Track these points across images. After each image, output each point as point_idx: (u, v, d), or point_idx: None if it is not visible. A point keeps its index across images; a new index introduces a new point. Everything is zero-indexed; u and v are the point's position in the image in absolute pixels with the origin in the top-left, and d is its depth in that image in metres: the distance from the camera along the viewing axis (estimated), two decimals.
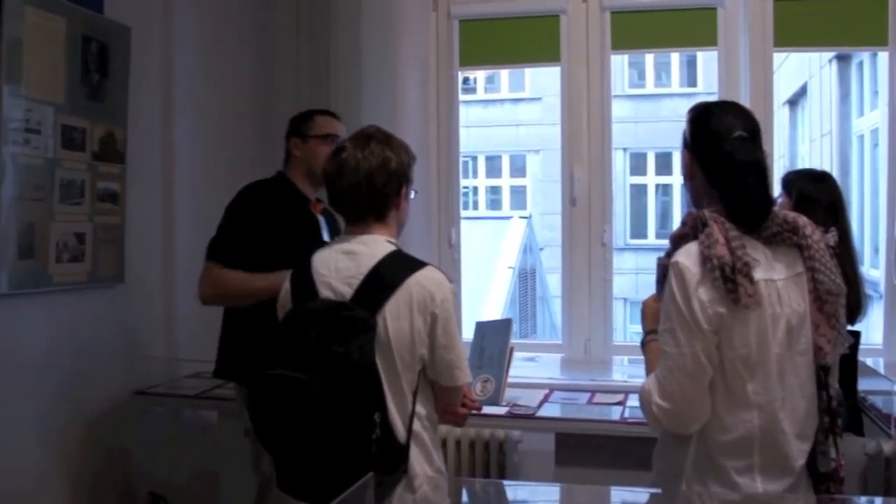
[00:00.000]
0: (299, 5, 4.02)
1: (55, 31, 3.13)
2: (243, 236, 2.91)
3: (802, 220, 2.02)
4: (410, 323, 2.10)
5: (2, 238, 2.93)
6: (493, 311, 11.02)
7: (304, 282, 2.20)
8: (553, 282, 13.39)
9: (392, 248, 2.20)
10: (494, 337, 2.60)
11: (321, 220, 3.08)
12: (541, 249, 14.30)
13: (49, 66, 3.11)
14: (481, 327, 2.69)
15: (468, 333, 2.71)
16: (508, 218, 14.26)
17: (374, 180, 2.18)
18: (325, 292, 2.16)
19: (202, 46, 3.96)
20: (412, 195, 2.33)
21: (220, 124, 4.04)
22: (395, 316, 2.10)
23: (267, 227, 2.90)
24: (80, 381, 3.31)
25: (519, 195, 15.86)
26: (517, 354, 2.85)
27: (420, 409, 2.16)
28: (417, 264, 2.17)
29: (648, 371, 2.09)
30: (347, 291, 2.13)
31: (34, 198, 3.06)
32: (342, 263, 2.17)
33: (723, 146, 2.01)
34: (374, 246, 2.18)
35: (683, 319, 1.93)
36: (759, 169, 1.99)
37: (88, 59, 3.29)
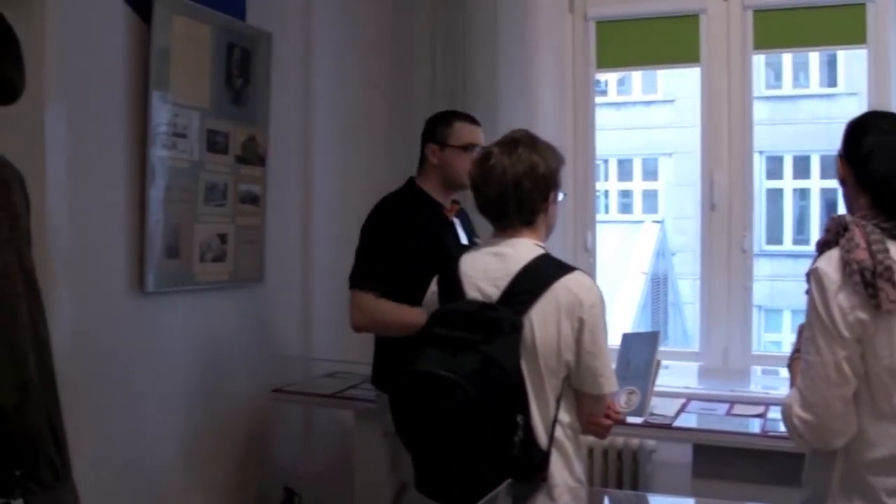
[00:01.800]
0: (435, 9, 4.04)
1: (201, 39, 3.24)
2: (385, 259, 2.89)
3: None
4: (557, 328, 2.07)
5: (149, 239, 3.04)
6: (626, 317, 10.87)
7: (452, 282, 2.20)
8: (685, 288, 13.10)
9: (540, 251, 2.17)
10: (641, 348, 2.54)
11: (456, 222, 3.06)
12: (673, 255, 14.01)
13: (195, 72, 3.22)
14: (628, 339, 2.63)
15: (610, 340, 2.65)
16: (640, 222, 14.03)
17: (522, 187, 2.15)
18: (472, 293, 2.15)
19: (340, 50, 4.02)
20: (560, 198, 2.29)
21: (358, 127, 4.10)
22: (542, 320, 2.07)
23: (406, 245, 2.87)
24: (220, 377, 3.41)
25: (650, 199, 15.58)
26: None
27: (563, 416, 2.12)
28: (566, 268, 2.14)
29: (792, 387, 2.01)
30: (494, 293, 2.12)
31: (180, 200, 3.17)
32: (490, 265, 2.16)
33: (869, 146, 1.95)
34: (522, 248, 2.16)
35: (824, 327, 1.86)
36: None
37: (232, 65, 3.39)
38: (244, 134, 3.47)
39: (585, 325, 2.08)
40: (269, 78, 3.58)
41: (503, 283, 2.11)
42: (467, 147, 2.95)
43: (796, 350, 2.08)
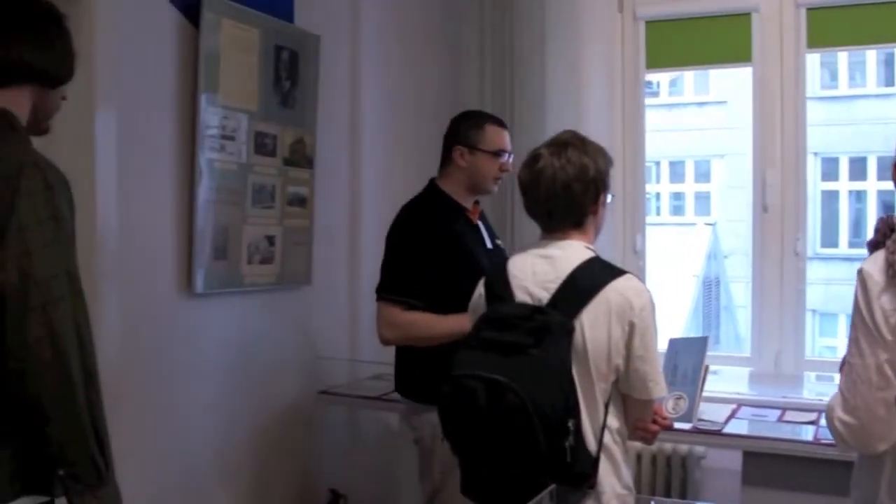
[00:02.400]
0: (483, 9, 4.03)
1: (249, 42, 3.25)
2: (413, 268, 2.84)
3: None
4: (608, 331, 2.05)
5: (198, 240, 3.06)
6: (677, 320, 10.75)
7: (500, 285, 2.18)
8: (738, 291, 12.92)
9: (590, 254, 2.15)
10: (689, 354, 2.51)
11: (480, 225, 3.01)
12: (725, 257, 13.84)
13: (243, 75, 3.23)
14: (675, 344, 2.60)
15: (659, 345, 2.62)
16: (692, 224, 13.88)
17: (572, 189, 2.13)
18: (521, 296, 2.13)
19: (388, 52, 4.03)
20: (609, 199, 2.27)
21: (406, 129, 4.10)
22: (592, 323, 2.05)
23: (433, 252, 2.82)
24: (267, 378, 3.42)
25: (703, 201, 15.41)
26: None
27: (612, 421, 2.09)
28: (616, 272, 2.12)
29: None
30: (544, 296, 2.10)
31: (228, 202, 3.19)
32: (539, 267, 2.14)
33: None
34: (571, 251, 2.14)
35: (867, 328, 1.83)
36: None
37: (280, 68, 3.41)
38: (292, 136, 3.49)
39: (636, 328, 2.05)
40: (317, 80, 3.59)
41: (553, 286, 2.09)
42: (498, 153, 2.92)
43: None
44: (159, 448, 2.95)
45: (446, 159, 2.99)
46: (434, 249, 2.82)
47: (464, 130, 2.95)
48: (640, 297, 2.08)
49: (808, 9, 3.68)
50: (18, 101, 1.74)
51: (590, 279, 2.08)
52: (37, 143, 2.46)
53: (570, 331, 2.02)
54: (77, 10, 2.55)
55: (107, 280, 2.73)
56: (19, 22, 1.73)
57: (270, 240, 3.40)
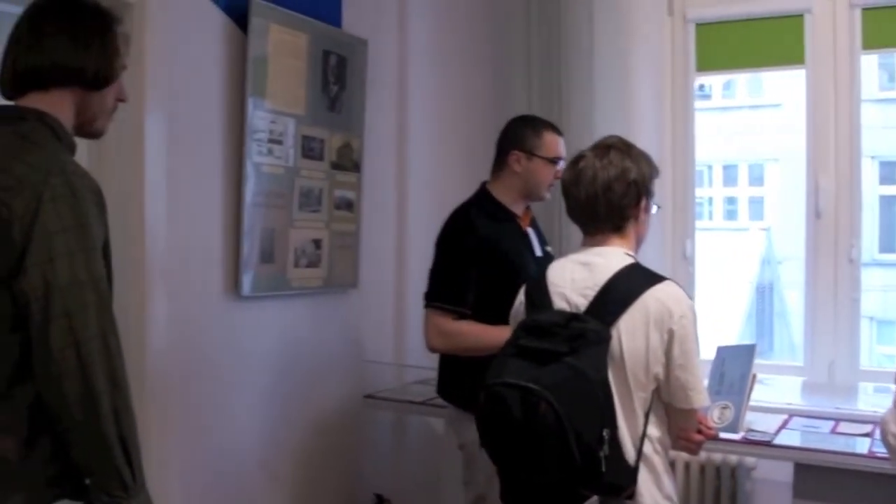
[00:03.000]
0: (530, 12, 4.01)
1: (297, 47, 3.27)
2: (463, 276, 2.82)
3: None
4: (646, 339, 2.02)
5: (245, 243, 3.08)
6: (730, 327, 10.59)
7: (539, 293, 2.17)
8: (793, 298, 12.70)
9: (630, 260, 2.12)
10: (736, 362, 2.45)
11: (531, 232, 2.98)
12: (779, 263, 13.61)
13: (291, 79, 3.25)
14: (722, 352, 2.55)
15: (707, 352, 2.57)
16: (746, 230, 13.68)
17: (613, 190, 2.11)
18: (559, 303, 2.11)
19: (435, 57, 4.03)
20: (654, 210, 2.24)
21: (453, 133, 4.09)
22: (631, 331, 2.02)
23: (484, 259, 2.80)
24: (313, 382, 3.44)
25: (757, 206, 15.18)
26: None
27: (652, 430, 2.06)
28: (656, 278, 2.08)
29: None
30: (582, 303, 2.08)
31: (276, 205, 3.21)
32: (578, 274, 2.12)
33: None
34: (610, 258, 2.11)
35: None
36: None
37: (328, 72, 3.42)
38: (339, 140, 3.50)
39: (675, 336, 2.01)
40: (364, 84, 3.60)
41: (591, 293, 2.07)
42: (554, 160, 2.89)
43: None
44: (205, 450, 2.98)
45: (500, 164, 2.95)
46: (482, 258, 2.80)
47: (521, 135, 2.91)
48: (680, 304, 2.05)
49: (863, 9, 3.59)
50: (60, 104, 1.73)
51: (628, 286, 2.05)
52: (89, 146, 2.51)
53: (605, 338, 1.99)
54: (127, 18, 2.59)
55: (155, 282, 2.76)
56: (55, 23, 1.72)
57: (317, 243, 3.41)
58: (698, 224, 3.98)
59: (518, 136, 2.92)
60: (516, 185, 2.92)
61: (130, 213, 2.71)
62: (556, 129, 2.97)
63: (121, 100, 1.87)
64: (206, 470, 2.98)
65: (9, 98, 1.76)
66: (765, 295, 12.83)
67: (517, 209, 2.96)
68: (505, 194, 2.94)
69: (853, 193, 3.65)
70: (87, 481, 1.63)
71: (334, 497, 3.58)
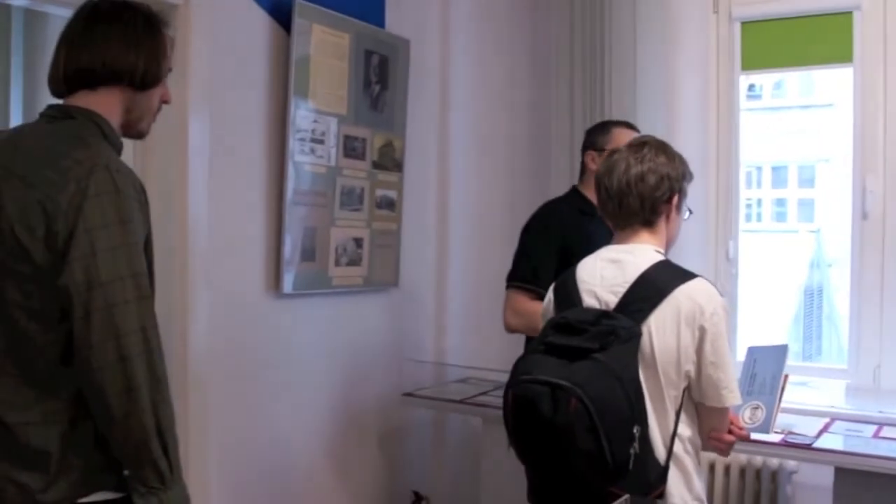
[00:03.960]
0: (573, 12, 3.99)
1: (340, 47, 3.30)
2: (543, 260, 2.91)
3: None
4: (677, 337, 2.00)
5: (287, 241, 3.11)
6: (777, 329, 10.44)
7: (568, 290, 2.16)
8: (841, 301, 12.48)
9: (660, 257, 2.11)
10: (767, 363, 2.42)
11: None
12: (829, 265, 13.39)
13: (334, 79, 3.28)
14: (753, 352, 2.51)
15: (743, 354, 2.55)
16: (795, 232, 13.48)
17: (645, 182, 2.10)
18: (588, 301, 2.11)
19: (477, 56, 4.03)
20: (686, 214, 2.23)
21: (495, 133, 4.10)
22: (661, 328, 2.01)
23: (565, 246, 2.87)
24: (353, 379, 3.46)
25: (807, 207, 14.95)
26: (792, 378, 2.64)
27: (683, 429, 2.04)
28: (686, 275, 2.07)
29: None
30: (612, 300, 2.07)
31: (317, 204, 3.24)
32: (607, 272, 2.11)
33: None
34: (640, 255, 2.10)
35: None
36: None
37: (370, 72, 3.44)
38: (381, 140, 3.52)
39: (707, 333, 2.00)
40: (406, 84, 3.62)
41: (621, 289, 2.06)
42: None
43: None
44: (245, 446, 3.01)
45: (582, 165, 3.11)
46: (564, 243, 2.89)
47: (594, 136, 3.08)
48: (711, 301, 2.03)
49: None
50: (108, 103, 1.77)
51: (658, 283, 2.04)
52: (134, 146, 2.55)
53: (636, 335, 1.98)
54: (172, 19, 2.63)
55: (197, 280, 2.80)
56: (108, 24, 1.76)
57: (358, 242, 3.43)
58: (746, 226, 3.94)
59: (591, 136, 3.09)
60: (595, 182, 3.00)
61: (173, 212, 2.76)
62: (628, 125, 3.07)
63: (165, 101, 1.91)
64: (244, 464, 3.01)
65: (58, 97, 1.80)
66: (813, 298, 12.62)
67: None
68: (591, 193, 3.00)
69: None
70: (126, 472, 1.66)
71: (372, 494, 3.60)
